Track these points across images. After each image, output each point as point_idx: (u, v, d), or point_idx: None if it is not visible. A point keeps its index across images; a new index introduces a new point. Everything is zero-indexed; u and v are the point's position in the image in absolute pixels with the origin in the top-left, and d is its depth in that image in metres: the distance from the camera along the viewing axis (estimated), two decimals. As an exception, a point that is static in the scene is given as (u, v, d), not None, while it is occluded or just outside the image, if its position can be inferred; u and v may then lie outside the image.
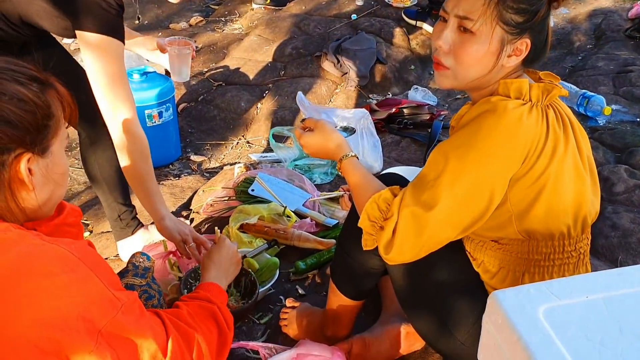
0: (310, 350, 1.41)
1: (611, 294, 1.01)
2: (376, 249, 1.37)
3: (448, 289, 1.39)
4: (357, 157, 1.45)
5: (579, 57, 4.05)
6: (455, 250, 1.40)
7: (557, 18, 4.90)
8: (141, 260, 1.40)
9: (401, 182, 1.44)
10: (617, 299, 1.00)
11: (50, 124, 1.07)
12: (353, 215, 1.48)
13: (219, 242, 1.62)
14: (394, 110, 3.00)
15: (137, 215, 2.25)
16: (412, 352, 1.66)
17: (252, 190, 2.30)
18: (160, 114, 3.10)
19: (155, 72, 3.17)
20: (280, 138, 2.98)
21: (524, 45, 1.24)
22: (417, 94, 3.54)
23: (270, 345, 1.53)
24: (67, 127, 1.15)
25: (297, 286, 2.03)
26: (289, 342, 1.74)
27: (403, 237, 1.23)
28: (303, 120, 1.54)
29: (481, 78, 1.27)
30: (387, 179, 1.46)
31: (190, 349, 1.15)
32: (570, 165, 1.27)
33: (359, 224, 1.31)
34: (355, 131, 1.68)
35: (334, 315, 1.65)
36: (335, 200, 2.38)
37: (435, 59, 1.30)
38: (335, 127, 1.61)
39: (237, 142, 3.44)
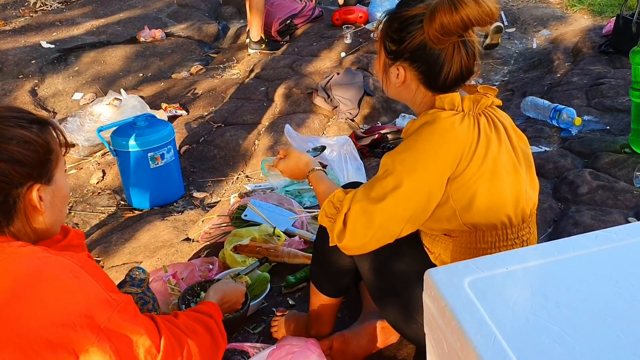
0: (288, 342, 1.59)
1: (528, 265, 1.17)
2: None
3: (408, 278, 1.57)
4: (325, 172, 1.68)
5: (557, 75, 4.25)
6: (413, 246, 1.60)
7: (539, 39, 5.14)
8: (137, 273, 1.60)
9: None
10: (532, 269, 1.16)
11: (51, 157, 1.27)
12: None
13: (236, 283, 1.82)
14: (376, 135, 3.22)
15: None
16: (388, 345, 1.83)
17: (245, 215, 2.50)
18: (162, 156, 3.34)
19: (155, 117, 3.43)
20: (272, 167, 3.20)
21: (400, 69, 1.49)
22: (405, 122, 3.75)
23: (257, 345, 1.71)
24: (64, 155, 1.35)
25: (288, 298, 2.21)
26: (280, 346, 1.91)
27: (353, 227, 1.43)
28: (278, 152, 1.80)
29: (395, 92, 1.56)
30: (349, 186, 1.67)
31: (181, 349, 1.29)
32: (506, 162, 1.47)
33: (319, 222, 1.51)
34: (325, 148, 1.91)
35: (316, 315, 1.83)
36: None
37: None
38: (307, 150, 1.87)
39: (237, 177, 3.66)
